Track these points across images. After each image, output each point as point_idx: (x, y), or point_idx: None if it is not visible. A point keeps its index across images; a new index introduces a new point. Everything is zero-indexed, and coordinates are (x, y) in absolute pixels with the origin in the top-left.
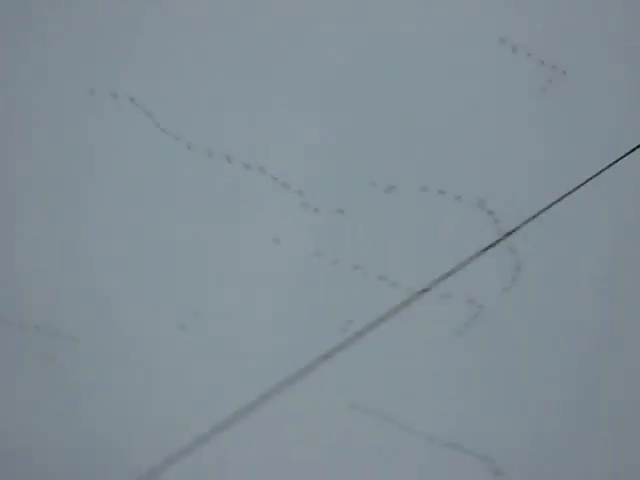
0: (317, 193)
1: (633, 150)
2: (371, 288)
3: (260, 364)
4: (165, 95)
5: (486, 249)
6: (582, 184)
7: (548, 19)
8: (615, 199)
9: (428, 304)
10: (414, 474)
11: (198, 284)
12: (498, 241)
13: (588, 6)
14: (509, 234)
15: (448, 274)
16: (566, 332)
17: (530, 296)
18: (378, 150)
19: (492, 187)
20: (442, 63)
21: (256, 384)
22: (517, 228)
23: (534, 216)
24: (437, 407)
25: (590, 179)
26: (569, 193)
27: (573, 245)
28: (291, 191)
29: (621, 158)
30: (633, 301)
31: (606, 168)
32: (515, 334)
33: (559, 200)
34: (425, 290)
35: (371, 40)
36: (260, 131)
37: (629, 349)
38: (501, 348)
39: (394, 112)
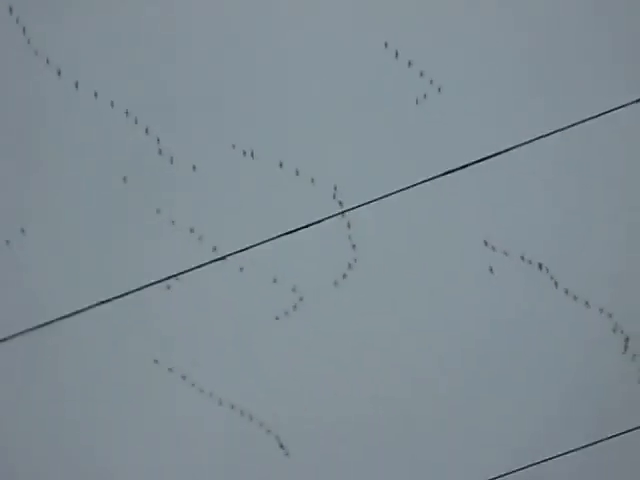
0: (175, 143)
1: (483, 159)
2: (195, 248)
3: (66, 292)
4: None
5: (317, 223)
6: (424, 181)
7: (436, 35)
8: (458, 201)
9: (258, 282)
10: (205, 436)
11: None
12: (334, 215)
13: (477, 29)
14: (344, 211)
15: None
16: (389, 332)
17: (359, 292)
18: (250, 118)
19: (347, 180)
20: (326, 57)
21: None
22: (354, 208)
23: (373, 201)
24: (233, 372)
25: (431, 180)
26: (409, 188)
27: (410, 246)
28: (150, 137)
29: (471, 164)
30: (468, 305)
31: (451, 171)
32: (335, 327)
33: (399, 192)
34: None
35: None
36: (134, 76)
37: (452, 356)
38: (315, 338)
39: (276, 90)
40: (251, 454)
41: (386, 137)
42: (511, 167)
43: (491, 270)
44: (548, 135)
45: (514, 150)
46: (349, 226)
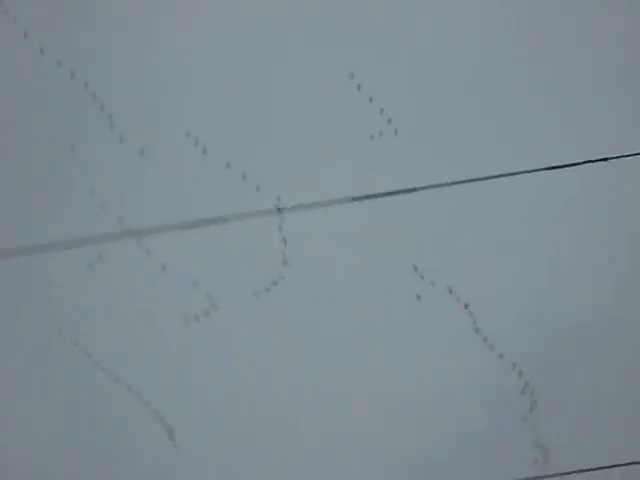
0: (128, 124)
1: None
2: (120, 236)
3: None
4: None
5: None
6: (365, 198)
7: (405, 78)
8: (394, 224)
9: (177, 283)
10: (99, 417)
11: None
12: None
13: (448, 80)
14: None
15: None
16: (299, 350)
17: (278, 308)
18: (211, 113)
19: (291, 196)
20: (293, 73)
21: None
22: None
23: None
24: (136, 358)
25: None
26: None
27: (341, 266)
28: (104, 113)
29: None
30: (388, 331)
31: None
32: (244, 339)
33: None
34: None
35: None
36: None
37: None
38: (219, 346)
39: (241, 94)
40: (140, 439)
41: (336, 164)
42: (457, 200)
43: (418, 298)
44: (498, 177)
45: (463, 184)
46: (285, 242)
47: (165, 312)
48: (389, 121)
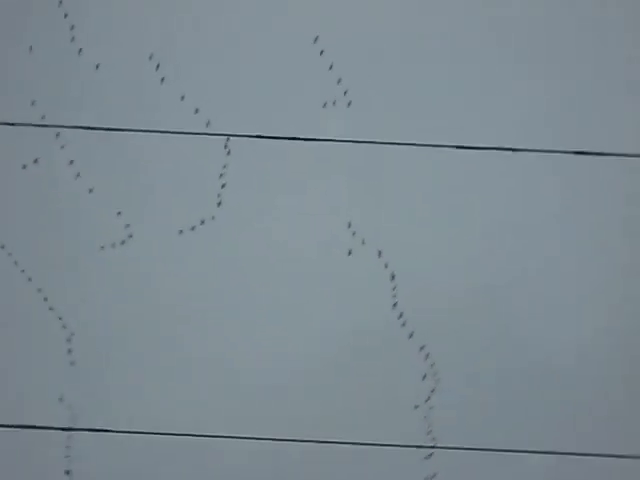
0: (89, 37)
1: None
2: (56, 149)
3: None
4: None
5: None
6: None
7: (368, 53)
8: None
9: (102, 208)
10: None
11: None
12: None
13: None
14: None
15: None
16: (213, 297)
17: (201, 247)
18: (174, 43)
19: (239, 135)
20: (252, 37)
21: None
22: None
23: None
24: (53, 270)
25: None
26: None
27: (271, 216)
28: (67, 21)
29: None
30: (316, 283)
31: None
32: (159, 274)
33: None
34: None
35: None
36: None
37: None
38: (130, 278)
39: (205, 38)
40: (39, 341)
41: (287, 115)
42: (401, 162)
43: (350, 253)
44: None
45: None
46: (223, 186)
47: (84, 233)
48: (345, 92)
